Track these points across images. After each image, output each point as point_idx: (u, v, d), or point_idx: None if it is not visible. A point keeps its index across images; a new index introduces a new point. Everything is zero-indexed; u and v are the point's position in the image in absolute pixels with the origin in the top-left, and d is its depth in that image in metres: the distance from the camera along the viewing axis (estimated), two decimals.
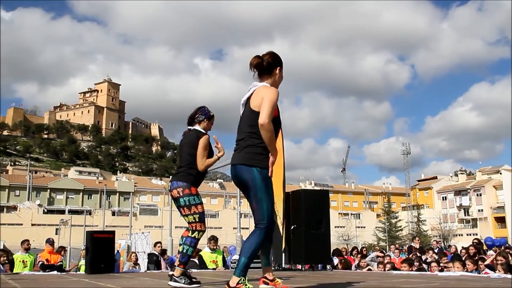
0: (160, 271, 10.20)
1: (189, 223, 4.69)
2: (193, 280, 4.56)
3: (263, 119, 3.33)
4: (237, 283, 3.33)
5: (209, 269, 8.70)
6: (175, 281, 4.46)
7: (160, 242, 11.26)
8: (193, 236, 4.66)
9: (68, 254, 18.03)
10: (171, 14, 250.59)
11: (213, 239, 9.23)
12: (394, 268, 8.57)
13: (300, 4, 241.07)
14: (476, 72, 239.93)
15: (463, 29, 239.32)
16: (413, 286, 4.33)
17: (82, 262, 10.15)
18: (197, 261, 10.03)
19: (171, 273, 4.66)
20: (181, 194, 4.64)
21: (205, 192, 77.20)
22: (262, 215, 3.45)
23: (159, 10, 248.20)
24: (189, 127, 4.95)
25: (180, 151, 4.96)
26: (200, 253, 9.31)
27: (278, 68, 3.65)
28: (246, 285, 3.34)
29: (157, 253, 10.75)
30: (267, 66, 3.61)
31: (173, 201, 4.81)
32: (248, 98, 3.61)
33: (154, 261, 10.47)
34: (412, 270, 7.74)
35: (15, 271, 8.59)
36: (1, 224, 49.03)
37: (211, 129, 5.00)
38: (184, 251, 4.61)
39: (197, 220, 4.65)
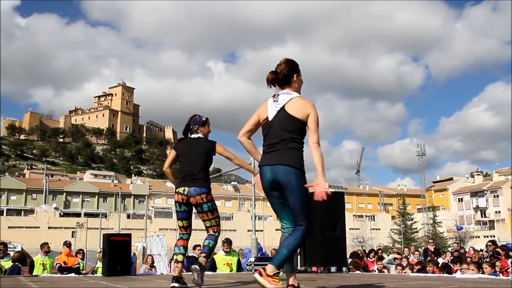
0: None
1: (210, 226, 4.85)
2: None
3: (317, 139, 3.50)
4: (273, 274, 3.37)
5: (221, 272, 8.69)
6: (195, 269, 4.53)
7: (199, 245, 10.86)
8: (215, 234, 4.87)
9: (85, 257, 18.14)
10: (183, 18, 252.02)
11: (227, 242, 9.24)
12: (422, 269, 8.49)
13: (312, 6, 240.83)
14: (491, 72, 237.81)
15: (478, 29, 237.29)
16: None
17: (99, 264, 10.23)
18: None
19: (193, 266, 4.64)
20: (205, 200, 4.76)
21: (219, 195, 77.35)
22: (304, 217, 3.52)
23: (171, 15, 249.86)
24: (192, 136, 5.02)
25: (191, 157, 4.95)
26: (215, 256, 9.32)
27: (295, 75, 3.72)
28: (279, 280, 3.39)
29: (196, 256, 10.66)
30: (283, 78, 3.70)
31: (184, 206, 4.83)
32: (284, 106, 3.63)
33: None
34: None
35: (34, 273, 8.69)
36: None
37: (210, 131, 5.14)
38: (211, 245, 4.81)
39: (217, 223, 4.89)
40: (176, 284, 4.56)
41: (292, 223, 3.60)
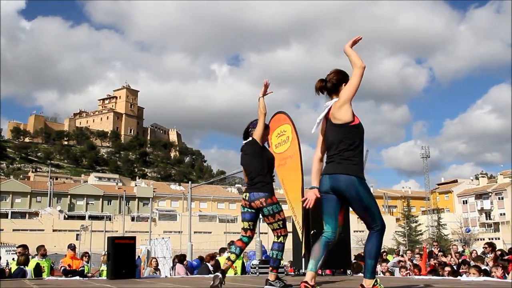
0: (181, 276, 10.26)
1: (274, 229, 4.91)
2: (286, 284, 4.78)
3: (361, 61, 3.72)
4: (373, 285, 3.55)
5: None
6: (271, 285, 4.72)
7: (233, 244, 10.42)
8: (279, 241, 4.90)
9: (89, 260, 18.16)
10: (187, 21, 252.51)
11: (233, 245, 9.18)
12: (434, 272, 8.45)
13: (316, 8, 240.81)
14: (496, 74, 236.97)
15: (481, 31, 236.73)
16: None
17: (103, 267, 10.25)
18: (210, 266, 10.05)
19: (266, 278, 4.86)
20: (264, 204, 4.81)
21: (223, 197, 77.42)
22: (373, 220, 3.66)
23: (176, 17, 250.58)
24: (244, 141, 5.14)
25: (246, 163, 5.06)
26: (218, 258, 9.31)
27: (343, 84, 3.81)
28: (380, 285, 3.58)
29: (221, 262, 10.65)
30: (332, 87, 3.82)
31: (248, 208, 4.95)
32: (327, 117, 3.78)
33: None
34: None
35: (30, 276, 8.71)
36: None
37: (266, 138, 5.21)
38: (274, 256, 4.86)
39: (281, 226, 4.87)
40: (219, 274, 4.62)
41: (334, 228, 3.77)
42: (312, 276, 3.68)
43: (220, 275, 4.57)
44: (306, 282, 3.62)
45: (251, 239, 5.03)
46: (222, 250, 10.34)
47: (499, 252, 10.41)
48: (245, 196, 4.89)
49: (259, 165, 4.91)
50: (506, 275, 7.62)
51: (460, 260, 11.12)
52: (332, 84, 3.81)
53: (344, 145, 3.65)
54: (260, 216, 4.99)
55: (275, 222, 4.83)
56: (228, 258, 4.86)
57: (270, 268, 4.85)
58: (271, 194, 4.84)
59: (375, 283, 3.56)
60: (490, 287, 4.85)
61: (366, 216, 3.66)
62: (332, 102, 3.77)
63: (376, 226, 3.66)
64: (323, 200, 3.73)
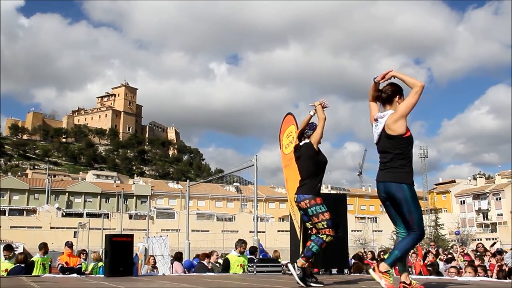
0: (178, 274, 10.26)
1: (319, 229, 5.02)
2: (315, 279, 4.93)
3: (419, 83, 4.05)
4: (385, 271, 3.87)
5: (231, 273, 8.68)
6: (293, 267, 4.84)
7: (244, 242, 9.83)
8: (321, 237, 4.99)
9: (87, 257, 18.13)
10: (186, 20, 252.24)
11: (243, 243, 9.22)
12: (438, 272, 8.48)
13: (314, 8, 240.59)
14: (493, 75, 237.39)
15: (480, 32, 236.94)
16: None
17: (92, 265, 10.27)
18: (206, 264, 10.05)
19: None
20: (309, 205, 5.01)
21: (221, 196, 77.40)
22: (414, 225, 3.97)
23: (174, 16, 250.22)
24: (300, 143, 5.32)
25: (299, 165, 5.26)
26: (228, 256, 9.33)
27: (397, 96, 4.20)
28: (390, 276, 3.87)
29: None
30: (386, 98, 4.22)
31: (302, 211, 5.15)
32: (383, 128, 4.14)
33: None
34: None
35: (35, 273, 8.70)
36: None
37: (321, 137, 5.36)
38: (310, 246, 4.97)
39: (325, 226, 5.00)
40: (300, 282, 4.83)
41: (405, 229, 4.07)
42: (406, 276, 4.01)
43: (301, 282, 4.81)
44: (403, 282, 3.95)
45: None
46: (241, 242, 9.82)
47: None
48: (294, 197, 5.12)
49: (311, 168, 5.10)
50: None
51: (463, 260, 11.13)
52: (387, 95, 4.21)
53: (396, 154, 4.03)
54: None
55: (319, 222, 4.98)
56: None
57: (304, 258, 4.92)
58: (315, 196, 5.02)
59: (389, 272, 3.86)
60: (488, 287, 4.86)
61: (410, 220, 3.97)
62: (387, 113, 4.13)
63: (417, 230, 3.96)
64: (385, 207, 4.19)
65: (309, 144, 5.16)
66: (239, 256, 8.96)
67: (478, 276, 7.07)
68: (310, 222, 5.13)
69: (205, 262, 10.38)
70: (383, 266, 3.88)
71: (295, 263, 4.89)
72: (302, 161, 5.16)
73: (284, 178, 9.51)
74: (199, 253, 11.63)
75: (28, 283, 5.68)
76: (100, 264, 10.72)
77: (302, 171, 5.15)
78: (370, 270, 3.97)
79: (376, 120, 4.20)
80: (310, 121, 5.36)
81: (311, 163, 5.10)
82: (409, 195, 3.95)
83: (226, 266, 8.84)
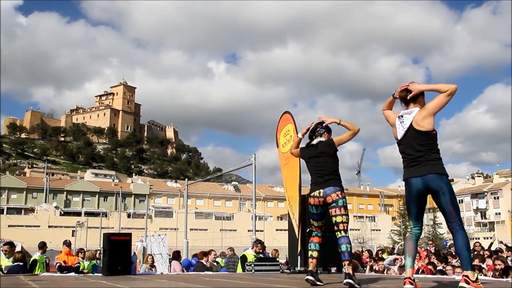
0: (176, 273, 10.26)
1: (341, 222, 5.00)
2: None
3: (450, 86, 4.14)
4: (476, 279, 3.84)
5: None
6: (351, 278, 4.67)
7: (261, 243, 9.88)
8: (347, 235, 5.01)
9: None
10: (184, 19, 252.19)
11: (259, 243, 9.34)
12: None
13: (312, 8, 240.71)
14: (492, 74, 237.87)
15: (478, 31, 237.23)
16: None
17: (85, 263, 10.27)
18: (205, 263, 10.09)
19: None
20: (340, 196, 5.02)
21: (219, 195, 77.38)
22: (458, 216, 4.04)
23: (172, 15, 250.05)
24: (313, 142, 5.33)
25: (319, 162, 5.21)
26: (245, 252, 9.42)
27: (421, 96, 4.26)
28: (477, 276, 3.89)
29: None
30: (411, 97, 4.26)
31: (320, 208, 5.12)
32: (410, 124, 4.19)
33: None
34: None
35: (37, 272, 8.71)
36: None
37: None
38: (348, 249, 4.92)
39: (346, 220, 5.03)
40: (310, 277, 4.90)
41: (419, 226, 4.24)
42: (412, 272, 4.05)
43: (311, 277, 4.88)
44: (409, 278, 4.00)
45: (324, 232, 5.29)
46: (257, 242, 9.86)
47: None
48: (319, 193, 5.04)
49: (334, 165, 5.16)
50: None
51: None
52: (413, 95, 4.24)
53: (430, 149, 4.09)
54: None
55: (345, 215, 5.00)
56: (311, 256, 5.11)
57: (347, 262, 4.81)
58: (343, 189, 5.10)
59: (477, 278, 3.86)
60: (484, 286, 4.86)
61: (452, 210, 4.01)
62: (415, 109, 4.20)
63: (458, 221, 4.01)
64: (411, 204, 4.19)
65: (332, 142, 5.24)
66: (254, 256, 9.15)
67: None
68: (321, 221, 5.18)
69: (203, 261, 10.40)
70: (471, 275, 3.83)
71: (348, 274, 4.70)
72: (326, 158, 5.18)
73: (283, 177, 9.50)
74: (197, 252, 11.63)
75: (26, 282, 5.67)
76: (93, 262, 10.75)
77: (325, 167, 5.14)
78: (463, 284, 3.81)
79: (401, 116, 4.26)
80: (321, 121, 5.38)
81: (334, 160, 5.19)
82: (450, 185, 4.06)
83: (243, 262, 9.06)
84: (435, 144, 4.13)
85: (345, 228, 4.97)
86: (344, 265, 4.77)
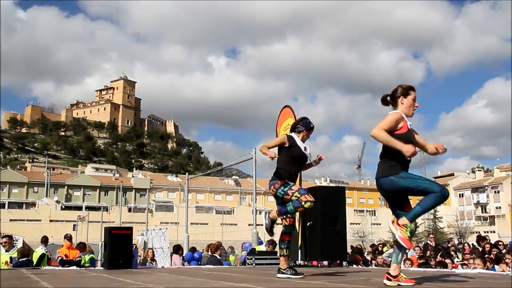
0: (177, 266, 10.31)
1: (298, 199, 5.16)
2: (293, 271, 5.13)
3: (372, 130, 4.08)
4: (403, 224, 3.94)
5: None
6: (265, 217, 5.21)
7: (273, 244, 10.07)
8: (299, 200, 5.13)
9: None
10: (184, 14, 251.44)
11: (271, 244, 9.55)
12: (425, 264, 8.51)
13: (311, 2, 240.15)
14: (491, 68, 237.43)
15: (477, 26, 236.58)
16: (431, 282, 4.33)
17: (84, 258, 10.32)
18: (218, 256, 10.20)
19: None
20: (275, 188, 5.22)
21: (220, 189, 77.46)
22: (431, 189, 3.96)
23: (172, 10, 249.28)
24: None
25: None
26: (257, 247, 9.58)
27: (400, 97, 4.30)
28: (407, 230, 3.93)
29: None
30: (392, 99, 4.34)
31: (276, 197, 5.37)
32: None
33: None
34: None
35: (42, 265, 8.75)
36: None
37: (309, 138, 5.54)
38: (286, 206, 5.21)
39: (299, 194, 5.12)
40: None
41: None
42: (395, 268, 4.09)
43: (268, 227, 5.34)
44: (388, 273, 4.06)
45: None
46: (270, 243, 10.21)
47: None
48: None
49: (280, 160, 5.33)
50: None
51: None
52: (391, 97, 4.35)
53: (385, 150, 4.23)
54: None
55: (292, 195, 5.14)
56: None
57: (277, 210, 5.27)
58: (280, 179, 5.23)
59: (406, 225, 3.93)
60: (484, 279, 4.89)
61: (422, 192, 4.01)
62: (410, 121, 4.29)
63: (436, 190, 3.94)
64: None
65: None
66: None
67: (475, 268, 7.11)
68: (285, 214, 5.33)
69: (217, 254, 10.39)
70: (402, 220, 3.96)
71: (268, 214, 5.24)
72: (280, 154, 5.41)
73: None
74: (209, 244, 11.61)
75: (28, 275, 5.70)
76: (92, 256, 10.81)
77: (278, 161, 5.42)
78: (389, 222, 4.05)
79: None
80: (305, 117, 5.53)
81: (281, 155, 5.36)
82: (397, 182, 4.05)
83: (252, 254, 9.23)
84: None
85: (302, 199, 5.08)
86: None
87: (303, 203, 5.06)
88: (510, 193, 69.84)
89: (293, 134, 5.41)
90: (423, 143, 4.49)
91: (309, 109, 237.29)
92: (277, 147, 5.36)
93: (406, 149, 3.95)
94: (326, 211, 8.10)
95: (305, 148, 5.37)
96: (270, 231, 5.33)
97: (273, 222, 5.39)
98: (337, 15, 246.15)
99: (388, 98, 4.37)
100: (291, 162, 5.31)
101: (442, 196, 3.93)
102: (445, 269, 7.69)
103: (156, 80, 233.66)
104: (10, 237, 9.12)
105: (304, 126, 5.42)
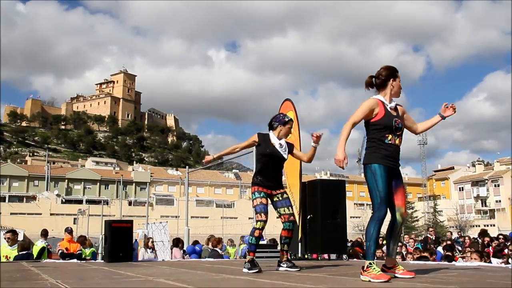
0: (177, 259, 10.33)
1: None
2: (291, 264, 5.17)
3: (348, 121, 3.97)
4: (367, 267, 3.83)
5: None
6: (281, 266, 5.18)
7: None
8: (256, 226, 5.08)
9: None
10: (183, 7, 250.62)
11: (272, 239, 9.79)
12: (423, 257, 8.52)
13: None
14: (492, 62, 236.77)
15: (478, 19, 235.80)
16: (430, 276, 4.35)
17: (85, 251, 10.35)
18: (220, 251, 10.25)
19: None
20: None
21: (220, 183, 77.57)
22: (373, 206, 3.95)
23: (171, 3, 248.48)
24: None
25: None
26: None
27: (391, 79, 4.06)
28: (373, 268, 3.80)
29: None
30: (380, 82, 4.08)
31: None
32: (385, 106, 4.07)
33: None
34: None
35: (43, 258, 8.77)
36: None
37: (291, 132, 5.51)
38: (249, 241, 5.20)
39: (255, 212, 5.12)
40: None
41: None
42: (390, 260, 4.09)
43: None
44: (384, 265, 4.04)
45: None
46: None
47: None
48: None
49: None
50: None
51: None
52: (381, 80, 4.06)
53: (368, 136, 4.13)
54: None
55: (253, 206, 5.17)
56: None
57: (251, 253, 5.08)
58: (252, 185, 5.25)
59: (370, 265, 3.79)
60: (484, 272, 4.90)
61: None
62: (394, 102, 4.11)
63: (372, 212, 3.93)
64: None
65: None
66: None
67: (475, 261, 7.12)
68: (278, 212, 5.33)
69: (217, 249, 10.39)
70: (364, 264, 3.86)
71: (253, 258, 4.97)
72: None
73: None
74: (209, 237, 11.62)
75: (28, 268, 5.72)
76: (93, 249, 10.84)
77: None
78: (361, 277, 3.85)
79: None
80: (277, 114, 5.50)
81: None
82: (367, 175, 3.98)
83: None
84: (369, 130, 4.07)
85: (256, 218, 5.04)
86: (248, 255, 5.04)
87: (255, 223, 5.08)
88: (510, 187, 69.92)
89: (270, 132, 5.30)
90: (410, 124, 4.36)
91: (309, 102, 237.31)
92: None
93: (336, 157, 3.84)
94: (326, 204, 8.11)
95: (280, 144, 5.18)
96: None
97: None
98: (337, 9, 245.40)
99: (376, 80, 4.09)
100: (260, 160, 5.27)
101: (375, 218, 3.84)
102: (445, 263, 7.71)
103: (156, 74, 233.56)
104: (14, 232, 9.09)
105: (277, 121, 5.26)
